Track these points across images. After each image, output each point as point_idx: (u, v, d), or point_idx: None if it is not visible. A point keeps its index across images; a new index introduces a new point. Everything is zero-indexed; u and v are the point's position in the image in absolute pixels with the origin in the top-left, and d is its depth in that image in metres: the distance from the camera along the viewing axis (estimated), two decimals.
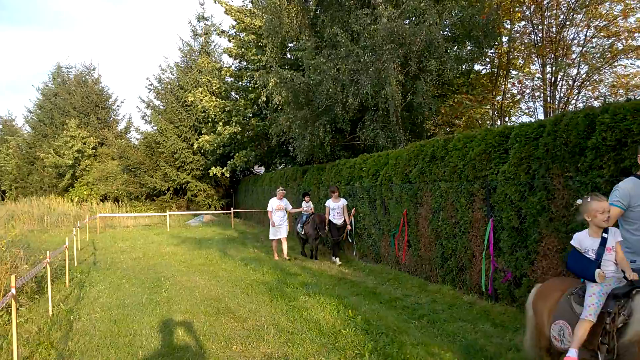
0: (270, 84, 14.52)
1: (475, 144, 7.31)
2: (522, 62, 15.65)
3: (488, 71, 16.81)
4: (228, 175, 22.58)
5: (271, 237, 11.68)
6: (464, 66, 15.30)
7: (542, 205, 5.92)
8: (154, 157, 27.76)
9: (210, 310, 6.60)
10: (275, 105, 16.12)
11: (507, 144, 6.68)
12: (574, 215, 5.46)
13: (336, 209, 10.97)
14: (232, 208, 23.90)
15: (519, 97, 15.98)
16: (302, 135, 13.44)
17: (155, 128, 28.32)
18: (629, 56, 12.41)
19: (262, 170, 27.46)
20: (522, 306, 6.27)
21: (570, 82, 13.59)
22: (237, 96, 23.67)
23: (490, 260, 6.85)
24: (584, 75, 13.21)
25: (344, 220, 11.00)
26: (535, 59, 14.39)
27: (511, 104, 16.13)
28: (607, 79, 13.34)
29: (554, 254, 5.78)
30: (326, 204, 11.22)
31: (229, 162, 21.41)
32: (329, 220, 11.01)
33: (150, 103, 29.67)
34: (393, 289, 8.12)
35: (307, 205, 11.92)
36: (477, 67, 17.07)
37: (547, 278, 5.87)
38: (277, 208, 11.60)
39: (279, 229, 11.55)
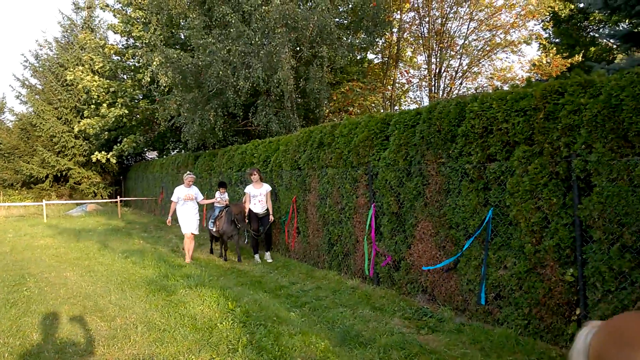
0: (154, 63, 13.61)
1: (359, 130, 7.34)
2: (411, 54, 16.24)
3: (380, 61, 17.25)
4: (114, 161, 21.08)
5: (185, 230, 9.52)
6: (357, 55, 15.55)
7: (418, 190, 6.07)
8: (30, 141, 25.15)
9: (75, 310, 5.99)
10: (164, 87, 15.23)
11: (388, 130, 6.77)
12: (446, 200, 5.67)
13: (258, 196, 9.38)
14: (118, 196, 22.31)
15: (407, 86, 16.60)
16: (191, 119, 12.79)
17: (32, 109, 25.63)
18: (505, 50, 13.35)
19: (155, 155, 26.05)
20: (401, 288, 6.47)
21: (453, 74, 14.35)
22: (124, 76, 22.08)
23: (372, 244, 6.96)
24: (465, 67, 14.02)
25: (267, 210, 9.50)
26: (422, 49, 14.99)
27: (400, 93, 16.72)
28: (486, 71, 14.29)
29: (429, 238, 5.96)
30: (246, 190, 9.50)
31: (114, 147, 19.95)
32: (249, 210, 9.40)
33: (26, 82, 26.76)
34: (280, 276, 7.99)
35: (220, 197, 9.97)
36: (370, 56, 17.45)
37: (422, 261, 6.07)
38: (186, 198, 9.43)
39: (189, 222, 9.49)
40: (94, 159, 21.08)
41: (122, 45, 22.04)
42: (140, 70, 17.52)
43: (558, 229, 4.46)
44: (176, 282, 7.29)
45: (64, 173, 25.09)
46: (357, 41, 13.95)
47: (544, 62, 12.51)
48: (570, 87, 4.47)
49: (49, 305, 6.24)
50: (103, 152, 20.73)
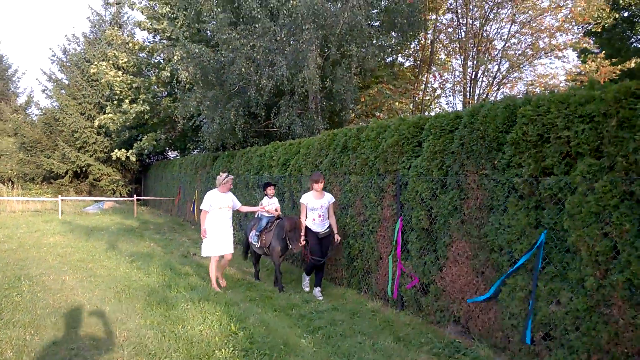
0: (175, 57, 13.09)
1: (388, 134, 6.59)
2: (444, 57, 15.37)
3: (412, 64, 16.45)
4: (134, 159, 20.75)
5: (206, 252, 7.14)
6: (387, 58, 14.80)
7: (454, 205, 5.27)
8: (53, 136, 25.11)
9: (60, 323, 5.37)
10: (185, 84, 14.73)
11: (421, 135, 6.00)
12: (487, 218, 4.87)
13: (318, 210, 7.04)
14: (135, 195, 21.84)
15: (439, 91, 15.73)
16: (211, 118, 12.22)
17: (56, 104, 25.61)
18: (548, 55, 12.38)
19: (176, 155, 25.74)
20: (429, 316, 5.67)
21: (490, 79, 13.45)
22: (149, 73, 21.80)
23: (397, 263, 6.18)
24: (504, 72, 13.10)
25: (329, 227, 7.18)
26: (458, 52, 14.12)
27: (432, 98, 15.86)
28: (527, 77, 13.33)
29: (464, 261, 5.16)
30: (302, 201, 7.13)
31: (134, 144, 19.60)
32: (307, 228, 7.12)
33: (53, 76, 26.81)
34: (293, 292, 7.26)
35: (269, 203, 7.83)
36: (401, 59, 16.66)
37: (455, 286, 5.27)
38: (222, 207, 7.21)
39: (222, 241, 7.15)
40: (114, 157, 20.81)
41: (149, 41, 21.80)
42: (161, 66, 17.11)
43: (631, 261, 3.61)
44: (178, 293, 6.64)
45: (83, 169, 24.92)
46: (389, 42, 13.16)
47: (591, 68, 11.51)
48: None
49: (35, 316, 5.63)
50: (123, 150, 20.42)
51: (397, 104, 13.73)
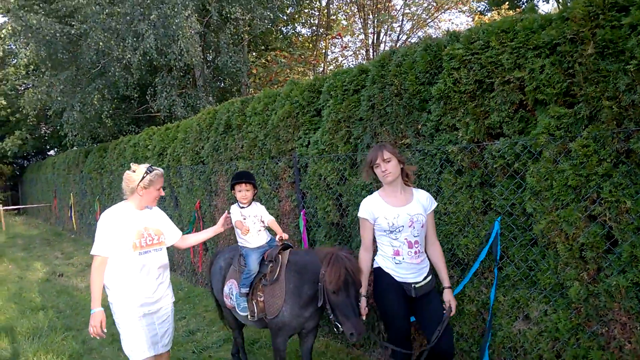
0: (3, 31, 10.55)
1: (278, 104, 5.06)
2: (346, 22, 14.02)
3: (310, 33, 14.98)
4: None
5: (135, 356, 2.81)
6: (282, 27, 13.22)
7: (368, 190, 3.88)
8: None
9: None
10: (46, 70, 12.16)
11: (320, 101, 4.53)
12: None
13: (406, 230, 2.84)
14: (2, 205, 18.50)
15: (341, 60, 14.41)
16: (70, 105, 9.93)
17: None
18: (452, 8, 11.44)
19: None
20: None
21: (394, 43, 12.32)
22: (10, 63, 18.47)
23: None
24: (407, 32, 12.03)
25: (430, 273, 2.96)
26: (357, 13, 12.80)
27: (334, 69, 14.54)
28: (432, 35, 12.39)
29: None
30: (362, 214, 2.94)
31: None
32: (378, 273, 2.95)
33: None
34: (177, 316, 5.60)
35: (251, 215, 3.41)
36: (300, 29, 15.17)
37: None
38: (147, 244, 2.89)
39: (154, 327, 2.93)
40: None
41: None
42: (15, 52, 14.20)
43: (637, 254, 2.41)
44: (9, 345, 4.73)
45: None
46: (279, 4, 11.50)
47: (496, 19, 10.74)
48: None
49: None
50: None
51: (295, 75, 12.19)
